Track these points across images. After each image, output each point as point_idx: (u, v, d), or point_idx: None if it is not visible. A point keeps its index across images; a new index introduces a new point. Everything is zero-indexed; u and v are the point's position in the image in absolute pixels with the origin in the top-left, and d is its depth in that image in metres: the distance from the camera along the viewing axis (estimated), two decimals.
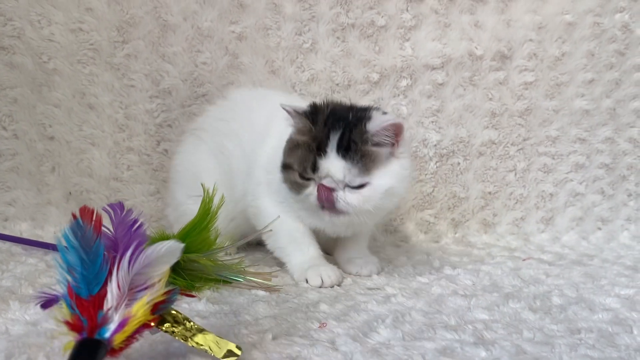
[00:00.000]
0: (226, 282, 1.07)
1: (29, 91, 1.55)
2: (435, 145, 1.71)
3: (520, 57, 1.72)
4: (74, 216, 0.66)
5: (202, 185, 1.08)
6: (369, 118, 1.09)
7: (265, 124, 1.28)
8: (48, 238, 1.44)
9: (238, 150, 1.31)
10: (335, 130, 1.08)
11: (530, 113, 1.74)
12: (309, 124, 1.10)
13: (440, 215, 1.73)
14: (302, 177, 1.10)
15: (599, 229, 1.77)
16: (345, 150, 1.06)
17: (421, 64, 1.69)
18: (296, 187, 1.12)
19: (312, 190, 1.09)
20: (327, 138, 1.07)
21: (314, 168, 1.08)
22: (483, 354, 0.75)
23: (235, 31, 1.64)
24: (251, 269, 1.08)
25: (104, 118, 1.61)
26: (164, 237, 1.05)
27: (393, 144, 1.10)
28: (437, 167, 1.72)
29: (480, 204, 1.74)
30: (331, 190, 1.07)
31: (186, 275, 1.03)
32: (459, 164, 1.73)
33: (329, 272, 1.13)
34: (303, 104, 1.16)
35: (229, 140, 1.34)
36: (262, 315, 0.89)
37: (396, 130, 1.09)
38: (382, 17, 1.68)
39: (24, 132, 1.55)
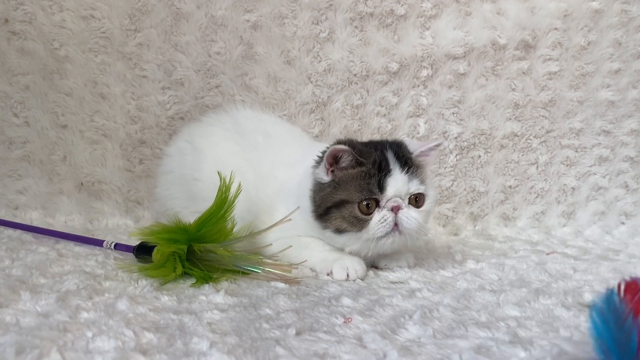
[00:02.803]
0: (244, 273, 1.03)
1: (40, 78, 1.52)
2: (455, 138, 1.67)
3: (544, 46, 1.68)
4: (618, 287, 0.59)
5: (218, 173, 1.05)
6: (403, 142, 1.17)
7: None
8: (59, 227, 1.43)
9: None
10: (387, 151, 1.11)
11: (554, 104, 1.70)
12: (360, 158, 1.09)
13: (459, 209, 1.69)
14: (362, 209, 1.08)
15: (623, 223, 1.72)
16: (404, 165, 1.10)
17: (442, 54, 1.65)
18: (357, 223, 1.08)
19: (379, 216, 1.08)
20: (386, 158, 1.10)
21: (381, 187, 1.08)
22: (522, 354, 0.70)
23: (250, 20, 1.61)
24: (270, 260, 1.04)
25: (116, 109, 1.59)
26: (180, 227, 1.02)
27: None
28: (457, 160, 1.68)
29: (500, 198, 1.70)
30: (398, 209, 1.08)
31: (203, 266, 1.00)
32: (479, 157, 1.69)
33: (355, 266, 1.09)
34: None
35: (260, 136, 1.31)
36: (283, 309, 0.85)
37: (437, 150, 1.18)
38: (402, 5, 1.64)
39: (36, 120, 1.53)
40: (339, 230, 1.09)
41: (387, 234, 1.09)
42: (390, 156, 1.10)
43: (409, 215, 1.09)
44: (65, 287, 0.88)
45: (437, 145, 1.16)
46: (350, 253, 1.13)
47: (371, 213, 1.08)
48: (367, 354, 0.68)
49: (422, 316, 0.84)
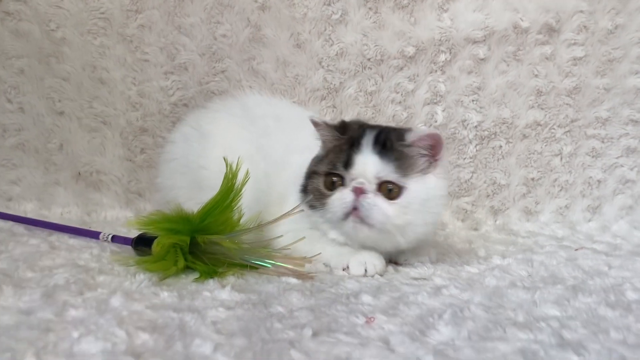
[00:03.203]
0: (252, 267, 0.94)
1: (36, 62, 1.45)
2: (475, 127, 1.59)
3: (569, 30, 1.59)
4: None
5: (224, 159, 0.97)
6: (407, 129, 1.04)
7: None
8: (54, 219, 1.34)
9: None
10: (371, 130, 1.03)
11: (579, 92, 1.61)
12: (338, 134, 1.04)
13: (479, 203, 1.61)
14: (327, 184, 1.01)
15: None
16: (382, 146, 0.99)
17: (461, 37, 1.57)
18: (320, 198, 1.01)
19: (339, 195, 0.99)
20: (363, 135, 1.01)
21: (347, 164, 0.99)
22: (575, 359, 0.61)
23: (257, 0, 1.53)
24: (280, 254, 0.95)
25: (116, 95, 1.51)
26: (182, 216, 0.93)
27: (431, 162, 1.02)
28: (476, 150, 1.60)
29: (522, 191, 1.62)
30: (362, 193, 0.97)
31: (207, 260, 0.92)
32: (500, 147, 1.61)
33: (374, 261, 0.99)
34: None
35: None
36: (297, 307, 0.76)
37: (434, 143, 1.01)
38: None
39: (31, 106, 1.46)
40: (311, 206, 1.02)
41: (346, 217, 0.98)
42: (368, 135, 1.01)
43: (372, 202, 0.97)
44: (54, 282, 0.80)
45: (430, 136, 1.00)
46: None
47: (334, 190, 1.00)
48: (397, 359, 0.59)
49: (453, 316, 0.75)
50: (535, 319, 0.77)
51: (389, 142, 1.00)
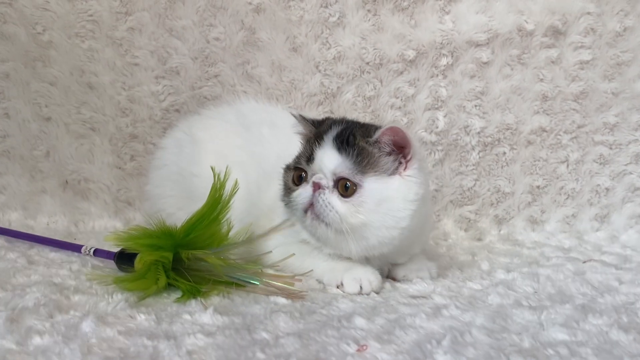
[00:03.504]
0: (239, 285, 0.88)
1: (22, 66, 1.41)
2: (478, 133, 1.55)
3: (576, 33, 1.55)
4: None
5: (212, 168, 0.92)
6: (377, 126, 1.00)
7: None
8: (40, 230, 1.30)
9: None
10: (337, 126, 1.00)
11: (586, 96, 1.57)
12: (313, 128, 1.02)
13: (482, 212, 1.57)
14: (295, 179, 0.99)
15: None
16: (342, 142, 0.96)
17: (463, 40, 1.53)
18: (287, 193, 1.00)
19: (300, 190, 0.97)
20: (327, 130, 0.99)
21: (309, 159, 0.98)
22: None
23: (252, 2, 1.49)
24: (270, 271, 0.89)
25: (105, 100, 1.47)
26: (164, 231, 0.88)
27: (400, 162, 0.97)
28: (479, 157, 1.55)
29: (527, 199, 1.58)
30: (320, 188, 0.95)
31: (191, 277, 0.86)
32: (504, 154, 1.56)
33: (369, 277, 0.94)
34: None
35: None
36: (284, 332, 0.70)
37: (397, 139, 0.96)
38: None
39: (17, 111, 1.41)
40: (284, 201, 1.01)
41: (304, 214, 0.95)
42: (333, 131, 0.98)
43: (325, 199, 0.94)
44: (23, 303, 0.74)
45: (391, 129, 0.95)
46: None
47: (299, 185, 0.98)
48: None
49: (453, 341, 0.70)
50: (542, 345, 0.72)
51: (351, 137, 0.96)
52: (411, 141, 0.96)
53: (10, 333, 0.63)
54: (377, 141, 0.96)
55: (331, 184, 0.95)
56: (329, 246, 0.98)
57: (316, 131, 1.01)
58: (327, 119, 1.06)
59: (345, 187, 0.94)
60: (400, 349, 0.66)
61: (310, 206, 0.95)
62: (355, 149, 0.95)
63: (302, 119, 1.04)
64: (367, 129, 0.99)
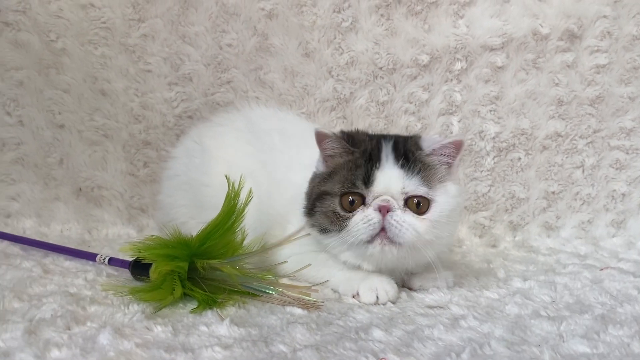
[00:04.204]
0: (254, 295, 0.88)
1: (35, 73, 1.41)
2: (493, 138, 1.53)
3: (591, 36, 1.53)
4: None
5: (226, 177, 0.91)
6: (419, 137, 0.98)
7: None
8: (53, 237, 1.30)
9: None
10: (386, 140, 0.96)
11: (602, 101, 1.55)
12: (349, 147, 0.96)
13: (497, 218, 1.55)
14: (345, 204, 0.93)
15: None
16: (403, 158, 0.93)
17: (478, 44, 1.52)
18: (337, 221, 0.93)
19: (361, 215, 0.91)
20: (379, 148, 0.95)
21: (367, 181, 0.92)
22: None
23: (264, 8, 1.48)
24: (285, 281, 0.89)
25: (118, 107, 1.47)
26: (180, 240, 0.87)
27: (450, 165, 0.97)
28: (494, 163, 1.54)
29: (542, 205, 1.56)
30: (387, 211, 0.90)
31: (206, 287, 0.86)
32: (519, 159, 1.55)
33: (385, 286, 0.93)
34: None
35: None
36: (301, 344, 0.69)
37: (457, 149, 0.96)
38: None
39: (31, 119, 1.41)
40: (322, 230, 0.94)
41: (373, 239, 0.90)
42: (386, 147, 0.95)
43: (401, 220, 0.90)
44: (40, 314, 0.74)
45: (456, 143, 0.95)
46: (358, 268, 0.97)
47: (354, 211, 0.92)
48: None
49: (473, 354, 0.69)
50: (563, 358, 0.71)
51: (410, 153, 0.94)
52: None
53: (29, 346, 0.63)
54: (433, 153, 0.95)
55: (401, 204, 0.92)
56: (386, 267, 0.95)
57: (364, 150, 0.95)
58: (358, 133, 1.01)
59: (417, 205, 0.92)
60: None
61: (381, 231, 0.90)
62: (418, 164, 0.93)
63: (337, 138, 0.96)
64: (415, 141, 0.97)
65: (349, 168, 0.95)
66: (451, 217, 0.95)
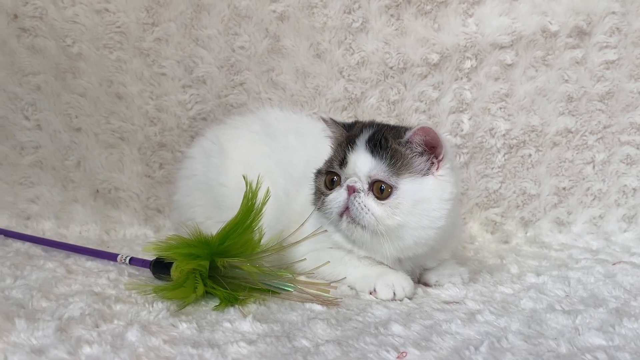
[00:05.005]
0: (274, 292, 0.90)
1: (52, 78, 1.43)
2: (503, 135, 1.54)
3: (601, 33, 1.53)
4: None
5: (244, 177, 0.93)
6: (407, 128, 1.00)
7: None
8: (72, 238, 1.32)
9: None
10: (368, 129, 1.01)
11: (612, 97, 1.55)
12: (344, 131, 1.03)
13: (508, 214, 1.56)
14: (328, 183, 1.00)
15: None
16: (375, 145, 0.97)
17: (487, 43, 1.52)
18: (320, 197, 1.00)
19: (335, 195, 0.97)
20: (359, 134, 1.00)
21: (342, 162, 0.98)
22: None
23: (276, 10, 1.50)
24: (304, 278, 0.91)
25: (134, 109, 1.49)
26: (201, 239, 0.89)
27: (432, 163, 0.97)
28: (505, 159, 1.54)
29: (553, 201, 1.56)
30: (355, 192, 0.95)
31: (227, 285, 0.88)
32: (530, 155, 1.55)
33: (402, 282, 0.95)
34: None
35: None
36: (323, 339, 0.71)
37: (429, 139, 0.96)
38: None
39: (48, 123, 1.43)
40: (316, 206, 1.00)
41: (340, 218, 0.96)
42: (365, 134, 0.99)
43: (362, 202, 0.94)
44: (69, 313, 0.76)
45: (421, 130, 0.95)
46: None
47: (332, 189, 0.98)
48: None
49: (491, 347, 0.70)
50: (579, 350, 0.72)
51: (383, 140, 0.97)
52: (442, 141, 0.97)
53: (62, 343, 0.65)
54: (408, 142, 0.96)
55: (366, 187, 0.95)
56: (364, 249, 0.98)
57: (348, 135, 1.01)
58: (357, 122, 1.07)
59: (381, 190, 0.95)
60: (439, 356, 0.67)
61: (346, 210, 0.95)
62: (388, 151, 0.95)
63: (333, 123, 1.05)
64: (398, 131, 1.00)
65: (335, 150, 1.02)
66: (418, 207, 0.95)
